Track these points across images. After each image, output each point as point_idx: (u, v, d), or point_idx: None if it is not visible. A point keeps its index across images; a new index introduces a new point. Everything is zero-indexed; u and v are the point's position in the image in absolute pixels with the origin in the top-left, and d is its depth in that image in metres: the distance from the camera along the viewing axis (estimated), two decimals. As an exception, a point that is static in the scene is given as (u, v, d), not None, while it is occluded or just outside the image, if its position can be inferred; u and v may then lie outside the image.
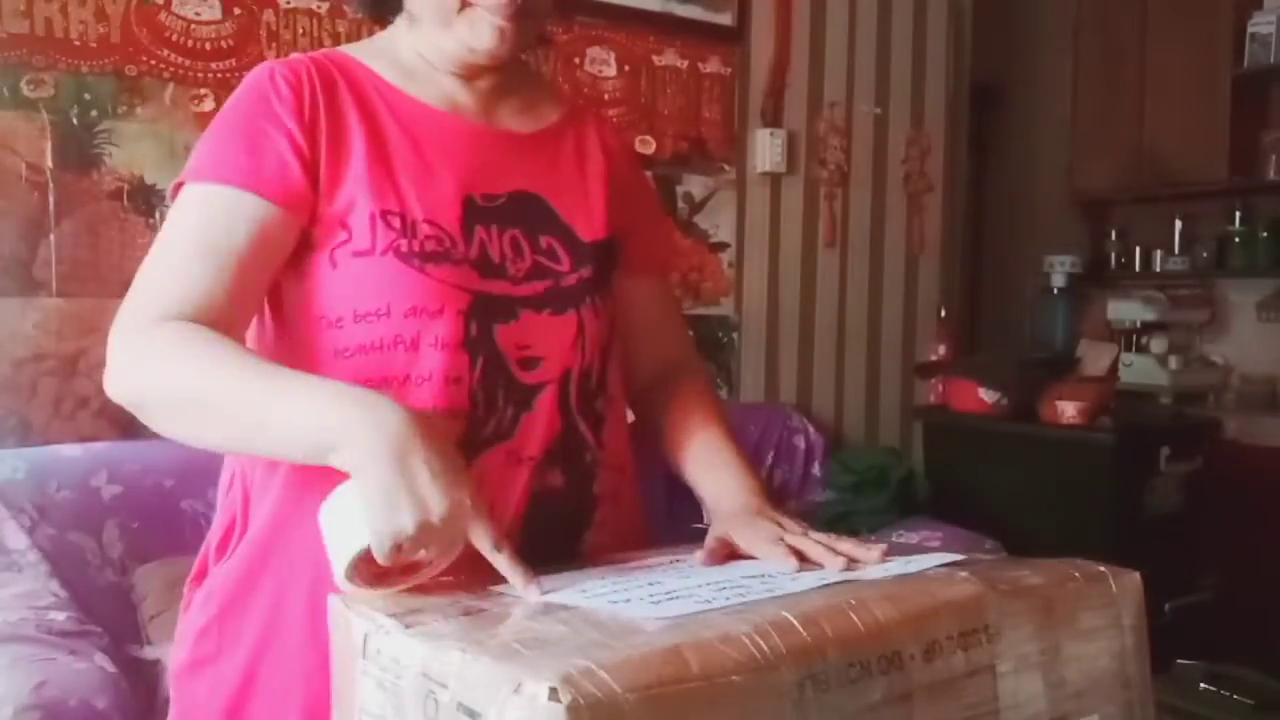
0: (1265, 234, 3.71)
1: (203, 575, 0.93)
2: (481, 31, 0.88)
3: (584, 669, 0.51)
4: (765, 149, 3.00)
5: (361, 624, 0.66)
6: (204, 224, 0.84)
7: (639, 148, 2.81)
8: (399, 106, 0.92)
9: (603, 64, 2.74)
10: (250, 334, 0.90)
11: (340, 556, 0.72)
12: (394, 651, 0.62)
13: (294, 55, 0.92)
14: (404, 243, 0.85)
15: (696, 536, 0.88)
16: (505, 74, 0.96)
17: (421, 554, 0.72)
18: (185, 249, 0.83)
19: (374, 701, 0.64)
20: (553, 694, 0.48)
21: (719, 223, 2.95)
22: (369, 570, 0.73)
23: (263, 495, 0.88)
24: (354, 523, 0.71)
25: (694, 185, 2.91)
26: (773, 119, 3.03)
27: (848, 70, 3.18)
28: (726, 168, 2.97)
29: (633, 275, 1.03)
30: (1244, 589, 2.93)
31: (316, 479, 0.77)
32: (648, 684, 0.51)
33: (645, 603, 0.65)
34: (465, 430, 0.85)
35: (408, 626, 0.63)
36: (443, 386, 0.84)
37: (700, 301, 2.93)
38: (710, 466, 0.98)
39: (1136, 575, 0.74)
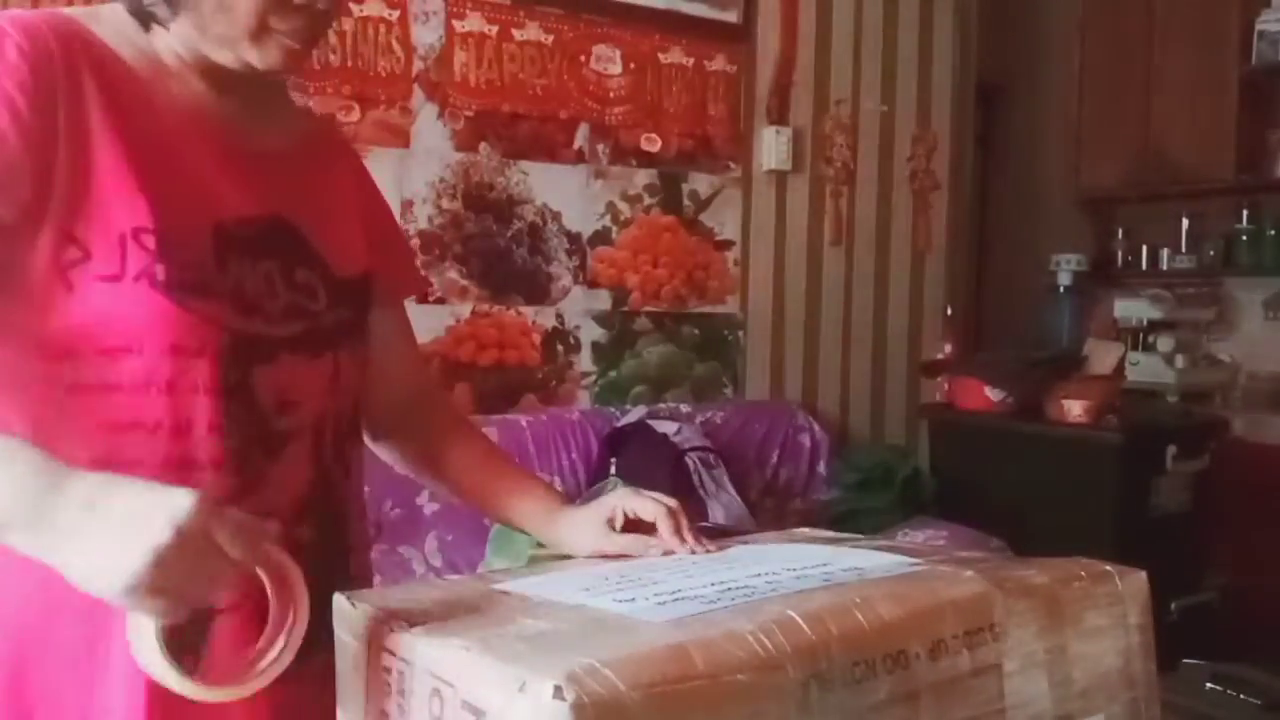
0: (1272, 232, 3.71)
1: None
2: (271, 56, 0.78)
3: (588, 667, 0.50)
4: (771, 147, 3.00)
5: (367, 622, 0.67)
6: None
7: (644, 145, 2.81)
8: (147, 107, 0.78)
9: (608, 61, 2.74)
10: None
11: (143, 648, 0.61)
12: (400, 649, 0.62)
13: (23, 11, 0.76)
14: (160, 269, 0.73)
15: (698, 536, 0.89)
16: (260, 84, 0.84)
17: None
18: None
19: (380, 699, 0.64)
20: (557, 692, 0.48)
21: (724, 221, 2.95)
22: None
23: None
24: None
25: (699, 183, 2.91)
26: (778, 117, 3.03)
27: (854, 68, 3.18)
28: (732, 166, 2.97)
29: (382, 306, 0.96)
30: (1251, 588, 2.93)
31: None
32: (652, 682, 0.51)
33: (650, 603, 0.65)
34: (213, 484, 0.75)
35: (413, 625, 0.63)
36: (204, 435, 0.76)
37: (706, 300, 2.93)
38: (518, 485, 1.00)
39: (1143, 574, 0.74)
